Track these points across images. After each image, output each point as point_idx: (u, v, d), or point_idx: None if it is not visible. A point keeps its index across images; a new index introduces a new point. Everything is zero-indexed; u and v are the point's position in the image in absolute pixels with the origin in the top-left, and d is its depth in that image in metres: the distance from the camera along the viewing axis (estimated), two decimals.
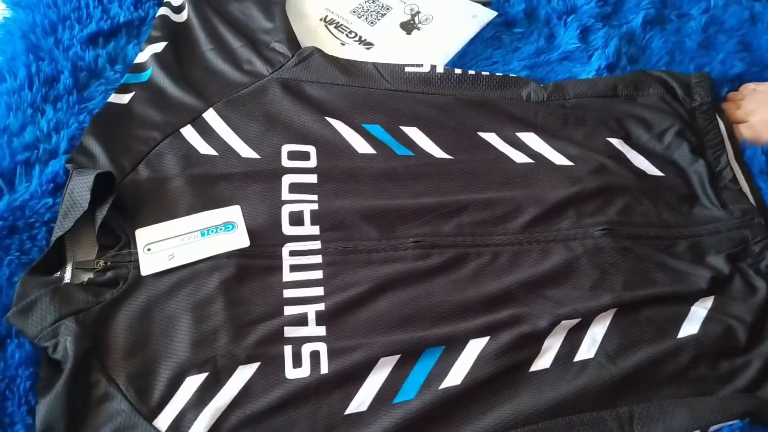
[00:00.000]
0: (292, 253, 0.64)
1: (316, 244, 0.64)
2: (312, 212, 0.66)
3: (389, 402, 0.57)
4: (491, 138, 0.73)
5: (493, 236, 0.67)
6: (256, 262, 0.63)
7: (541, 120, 0.75)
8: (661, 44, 0.84)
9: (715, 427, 0.57)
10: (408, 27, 0.84)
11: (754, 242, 0.68)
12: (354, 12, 0.85)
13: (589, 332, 0.62)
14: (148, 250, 0.62)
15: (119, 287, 0.60)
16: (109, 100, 0.72)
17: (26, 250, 0.62)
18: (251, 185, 0.67)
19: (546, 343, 0.61)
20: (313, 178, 0.68)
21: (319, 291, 0.62)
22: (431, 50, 0.81)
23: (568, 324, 0.62)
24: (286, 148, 0.70)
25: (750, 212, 0.70)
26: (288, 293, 0.62)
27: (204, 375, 0.57)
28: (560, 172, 0.71)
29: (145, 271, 0.61)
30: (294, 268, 0.63)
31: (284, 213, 0.66)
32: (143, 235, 0.63)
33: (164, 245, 0.63)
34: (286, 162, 0.69)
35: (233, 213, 0.65)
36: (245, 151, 0.69)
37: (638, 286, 0.65)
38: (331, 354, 0.59)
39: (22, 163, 0.66)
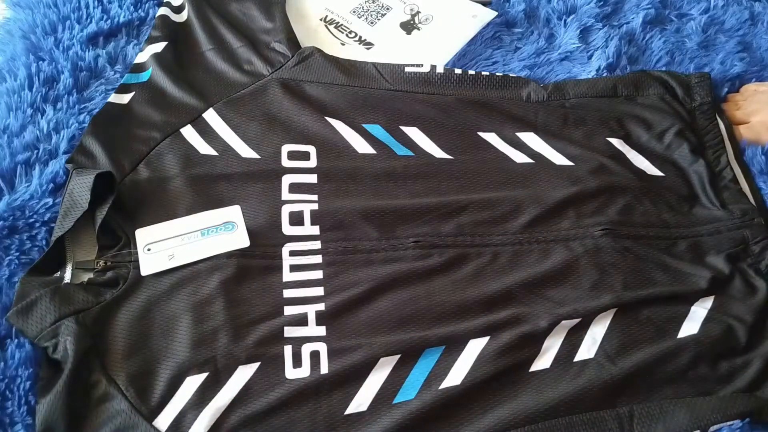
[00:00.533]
0: (292, 253, 0.64)
1: (316, 244, 0.64)
2: (312, 212, 0.66)
3: (389, 402, 0.57)
4: (491, 138, 0.73)
5: (493, 236, 0.67)
6: (256, 262, 0.63)
7: (541, 120, 0.75)
8: (661, 44, 0.84)
9: (715, 427, 0.57)
10: (408, 27, 0.84)
11: (754, 242, 0.68)
12: (354, 12, 0.85)
13: (589, 332, 0.62)
14: (148, 250, 0.62)
15: (119, 287, 0.60)
16: (109, 100, 0.72)
17: (26, 250, 0.62)
18: (251, 185, 0.67)
19: (546, 343, 0.61)
20: (313, 178, 0.68)
21: (319, 291, 0.62)
22: (431, 50, 0.81)
23: (568, 324, 0.62)
24: (286, 148, 0.70)
25: (750, 212, 0.70)
26: (288, 293, 0.62)
27: (204, 375, 0.57)
28: (560, 172, 0.71)
29: (145, 271, 0.61)
30: (294, 268, 0.63)
31: (284, 213, 0.66)
32: (143, 235, 0.63)
33: (164, 245, 0.63)
34: (286, 162, 0.69)
35: (233, 213, 0.65)
36: (245, 151, 0.69)
37: (638, 286, 0.65)
38: (331, 354, 0.59)
39: (22, 163, 0.66)
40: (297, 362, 0.58)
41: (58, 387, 0.55)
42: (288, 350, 0.59)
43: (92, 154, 0.67)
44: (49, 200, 0.64)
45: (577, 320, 0.62)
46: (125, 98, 0.72)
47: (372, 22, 0.84)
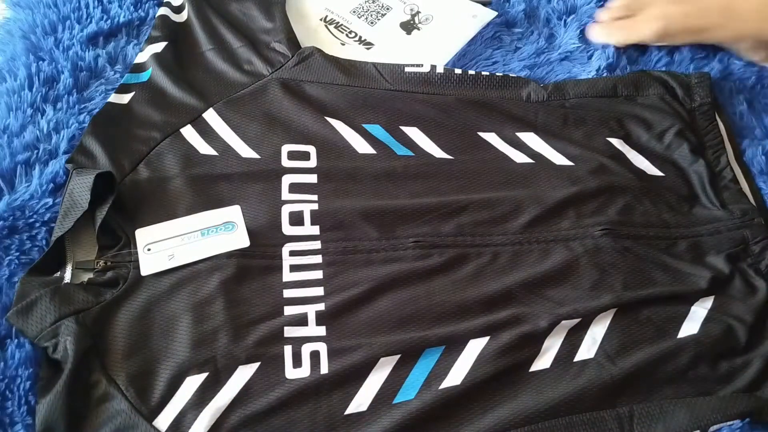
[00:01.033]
0: (292, 253, 0.64)
1: (316, 244, 0.64)
2: (312, 212, 0.66)
3: (389, 402, 0.57)
4: (491, 138, 0.73)
5: (493, 236, 0.66)
6: (256, 262, 0.63)
7: (541, 120, 0.75)
8: None
9: (715, 427, 0.57)
10: (408, 27, 0.84)
11: (754, 242, 0.68)
12: (354, 12, 0.85)
13: (589, 332, 0.62)
14: (148, 250, 0.62)
15: (119, 287, 0.60)
16: (109, 100, 0.72)
17: (26, 250, 0.62)
18: (251, 185, 0.67)
19: (546, 343, 0.61)
20: (313, 178, 0.68)
21: (319, 291, 0.62)
22: (431, 50, 0.81)
23: (568, 324, 0.62)
24: (286, 148, 0.70)
25: (750, 212, 0.70)
26: (288, 293, 0.62)
27: (204, 375, 0.57)
28: (560, 172, 0.71)
29: (145, 271, 0.61)
30: (294, 268, 0.63)
31: (284, 213, 0.66)
32: (143, 235, 0.63)
33: (164, 245, 0.63)
34: (286, 162, 0.69)
35: (233, 213, 0.65)
36: (245, 151, 0.69)
37: (638, 286, 0.65)
38: (331, 354, 0.59)
39: (22, 163, 0.66)
40: (297, 362, 0.58)
41: (58, 387, 0.55)
42: (288, 350, 0.59)
43: (92, 154, 0.67)
44: (49, 200, 0.64)
45: (577, 320, 0.62)
46: (125, 98, 0.72)
47: (372, 22, 0.84)
